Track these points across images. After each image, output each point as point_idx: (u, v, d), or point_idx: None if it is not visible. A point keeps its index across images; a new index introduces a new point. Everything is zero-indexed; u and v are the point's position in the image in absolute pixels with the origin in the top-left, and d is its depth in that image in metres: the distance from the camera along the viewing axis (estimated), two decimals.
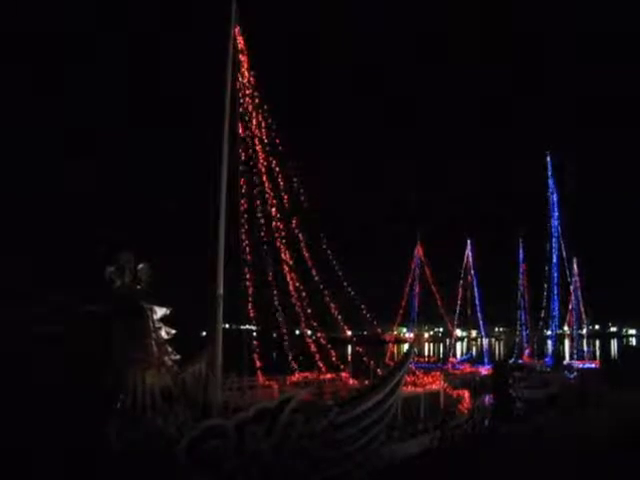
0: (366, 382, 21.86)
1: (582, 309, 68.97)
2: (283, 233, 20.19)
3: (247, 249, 18.88)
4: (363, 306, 22.95)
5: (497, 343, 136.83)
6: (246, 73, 19.19)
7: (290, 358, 23.01)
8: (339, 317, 21.83)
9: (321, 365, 22.88)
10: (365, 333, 39.51)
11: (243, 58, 19.03)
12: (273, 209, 19.88)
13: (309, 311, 21.11)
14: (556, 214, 51.79)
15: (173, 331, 14.83)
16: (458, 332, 72.27)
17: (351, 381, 23.75)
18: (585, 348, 70.17)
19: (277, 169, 19.92)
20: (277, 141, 19.79)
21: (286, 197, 20.13)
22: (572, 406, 33.70)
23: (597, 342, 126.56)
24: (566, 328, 63.61)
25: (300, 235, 20.56)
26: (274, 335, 23.59)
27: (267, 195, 19.75)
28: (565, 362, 53.31)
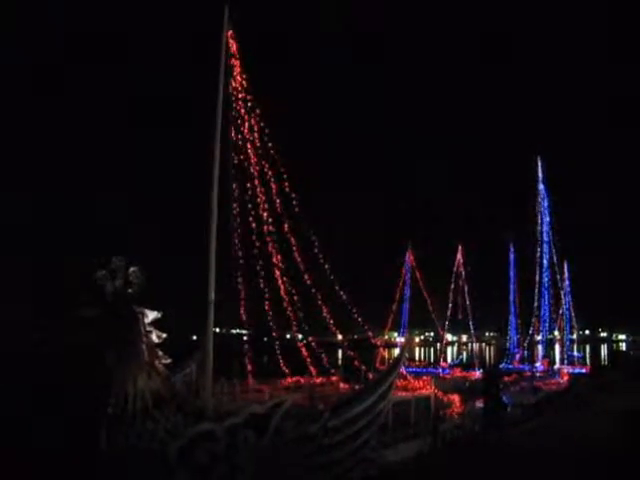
0: (357, 386, 21.87)
1: (573, 314, 69.42)
2: (274, 237, 20.22)
3: (239, 253, 18.92)
4: (354, 310, 22.95)
5: (488, 348, 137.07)
6: (238, 77, 19.22)
7: (281, 362, 23.02)
8: (330, 321, 21.85)
9: (312, 369, 22.89)
10: (356, 337, 39.55)
11: (235, 62, 19.06)
12: (265, 213, 19.90)
13: (300, 315, 21.12)
14: (547, 219, 51.94)
15: (164, 335, 14.80)
16: (449, 337, 72.56)
17: (342, 385, 23.77)
18: (576, 353, 70.52)
19: (269, 173, 19.95)
20: (269, 144, 19.83)
21: (278, 201, 20.16)
22: (563, 410, 33.85)
23: (587, 347, 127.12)
24: (557, 333, 63.83)
25: (292, 239, 20.58)
26: (265, 339, 23.61)
27: (259, 199, 19.78)
28: (555, 367, 53.44)
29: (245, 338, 21.11)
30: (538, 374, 48.52)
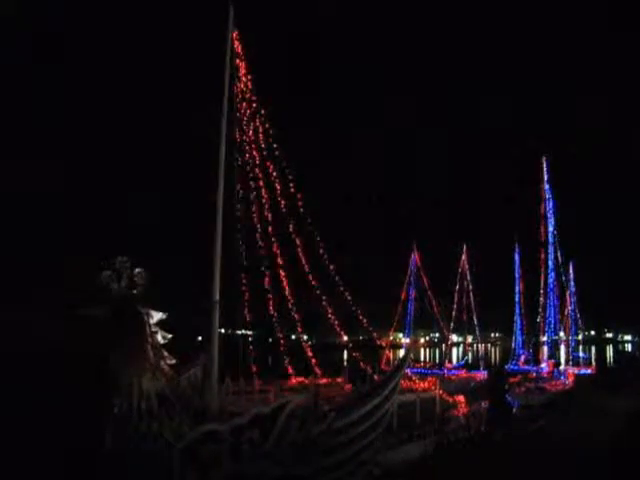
0: (362, 387, 21.85)
1: (578, 314, 69.28)
2: (279, 237, 20.24)
3: (243, 254, 18.94)
4: (359, 311, 22.94)
5: (493, 348, 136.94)
6: (243, 78, 19.22)
7: (286, 363, 23.03)
8: (335, 322, 21.85)
9: (317, 370, 22.89)
10: (361, 338, 39.56)
11: (240, 63, 19.06)
12: (269, 214, 19.91)
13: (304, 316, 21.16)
14: (552, 220, 51.78)
15: (169, 335, 14.82)
16: (454, 338, 72.47)
17: (347, 386, 23.77)
18: (581, 354, 70.34)
19: (274, 174, 19.96)
20: (274, 146, 19.84)
21: (283, 202, 20.16)
22: (568, 410, 33.76)
23: (593, 348, 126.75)
24: (562, 334, 63.70)
25: (297, 240, 20.58)
26: (270, 340, 23.62)
27: (264, 200, 19.80)
28: (561, 368, 53.33)
29: (250, 339, 21.10)
30: (543, 375, 48.49)
